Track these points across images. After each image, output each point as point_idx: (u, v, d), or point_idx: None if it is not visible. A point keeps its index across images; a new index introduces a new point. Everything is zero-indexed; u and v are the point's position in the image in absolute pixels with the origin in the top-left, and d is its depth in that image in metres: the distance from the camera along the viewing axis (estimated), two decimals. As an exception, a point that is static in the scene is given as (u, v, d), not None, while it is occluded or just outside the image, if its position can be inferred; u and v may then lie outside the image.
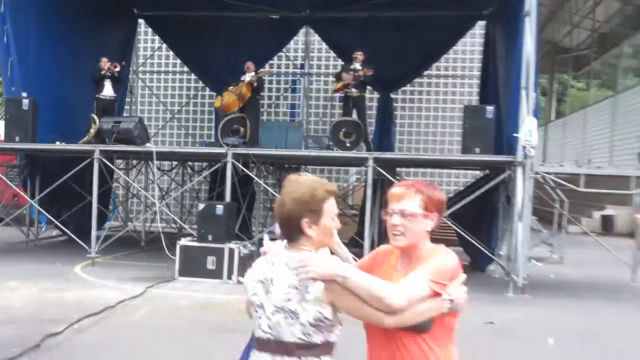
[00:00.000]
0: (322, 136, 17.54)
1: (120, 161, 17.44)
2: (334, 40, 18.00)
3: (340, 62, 16.74)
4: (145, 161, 16.49)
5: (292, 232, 2.82)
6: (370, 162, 12.94)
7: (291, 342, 2.72)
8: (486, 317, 9.55)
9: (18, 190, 15.38)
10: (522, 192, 11.96)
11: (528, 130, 11.83)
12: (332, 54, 18.53)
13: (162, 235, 13.70)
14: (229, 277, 11.90)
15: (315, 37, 19.04)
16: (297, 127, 18.48)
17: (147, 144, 14.65)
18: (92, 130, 14.42)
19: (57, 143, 14.14)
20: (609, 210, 25.41)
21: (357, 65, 14.58)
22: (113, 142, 14.00)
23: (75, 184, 14.48)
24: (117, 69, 15.20)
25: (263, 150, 14.53)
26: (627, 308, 10.86)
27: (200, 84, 19.56)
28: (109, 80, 15.14)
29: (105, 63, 15.00)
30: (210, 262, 11.98)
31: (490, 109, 13.22)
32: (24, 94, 14.14)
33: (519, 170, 11.98)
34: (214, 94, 17.26)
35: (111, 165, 15.07)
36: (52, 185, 14.06)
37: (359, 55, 14.62)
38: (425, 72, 18.42)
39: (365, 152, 13.89)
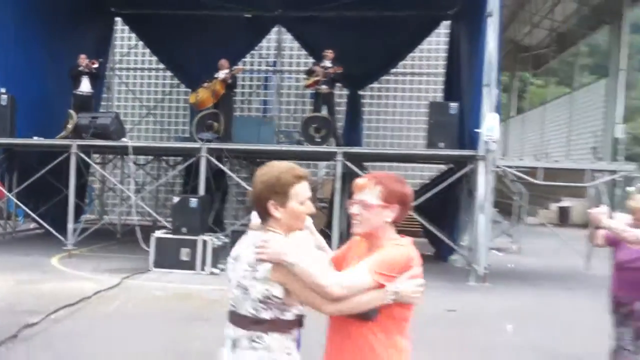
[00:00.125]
0: (293, 131, 17.55)
1: (97, 155, 17.26)
2: (305, 38, 17.99)
3: (311, 60, 16.71)
4: (121, 156, 16.37)
5: (261, 213, 2.88)
6: (340, 157, 12.97)
7: (245, 316, 2.80)
8: (448, 305, 9.64)
9: (-4, 184, 15.16)
10: (484, 185, 12.07)
11: (490, 125, 11.93)
12: (304, 52, 18.50)
13: (137, 227, 13.65)
14: (203, 268, 11.86)
15: (287, 36, 19.01)
16: (269, 123, 18.47)
17: (123, 139, 14.54)
18: (69, 126, 14.26)
19: (35, 138, 13.97)
20: (566, 202, 25.73)
21: (327, 63, 14.57)
22: (90, 137, 13.90)
23: (52, 178, 14.31)
24: (95, 65, 15.02)
25: (236, 145, 14.50)
26: (581, 295, 11.01)
27: (175, 81, 19.44)
28: (86, 76, 14.94)
29: (83, 60, 14.81)
30: (185, 254, 11.93)
31: (454, 105, 13.29)
32: (3, 90, 13.92)
33: (481, 164, 12.08)
34: (189, 90, 17.13)
35: (88, 160, 14.91)
36: (30, 179, 13.89)
37: (329, 54, 14.62)
38: (392, 70, 18.46)
39: (334, 147, 13.91)
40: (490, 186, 12.31)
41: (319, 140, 14.04)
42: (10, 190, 14.56)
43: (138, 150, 15.15)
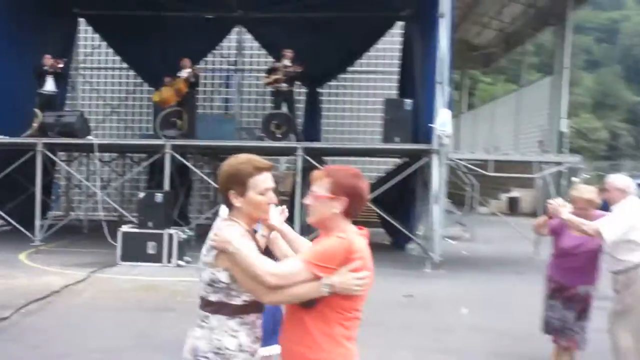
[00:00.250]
0: (254, 128, 17.52)
1: (62, 153, 17.02)
2: (265, 39, 17.94)
3: (271, 59, 16.70)
4: (86, 153, 16.18)
5: (226, 203, 2.98)
6: (300, 152, 13.04)
7: (201, 297, 2.92)
8: (406, 291, 9.77)
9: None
10: (438, 177, 12.24)
11: (443, 121, 12.09)
12: (264, 52, 18.46)
13: (103, 223, 13.51)
14: (169, 261, 11.81)
15: (248, 36, 18.94)
16: (231, 120, 18.42)
17: (89, 137, 14.39)
18: (35, 124, 14.06)
19: (0, 137, 13.73)
20: (515, 193, 26.20)
21: (287, 62, 14.59)
22: (56, 135, 13.72)
23: (18, 175, 14.07)
24: (60, 65, 14.82)
25: (199, 142, 14.45)
26: (530, 279, 11.13)
27: (139, 80, 19.23)
28: (51, 76, 14.72)
29: (48, 60, 14.59)
30: (151, 247, 11.87)
31: (408, 101, 13.42)
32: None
33: (435, 157, 12.25)
34: (152, 89, 16.98)
35: (54, 157, 14.73)
36: (-4, 177, 13.67)
37: (288, 53, 14.63)
38: (349, 68, 18.52)
39: (295, 142, 13.94)
40: (444, 178, 12.48)
41: (280, 136, 14.07)
42: (-24, 189, 14.28)
43: (103, 148, 14.99)
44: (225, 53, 19.80)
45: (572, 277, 5.73)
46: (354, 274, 2.74)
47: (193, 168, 15.28)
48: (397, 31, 17.97)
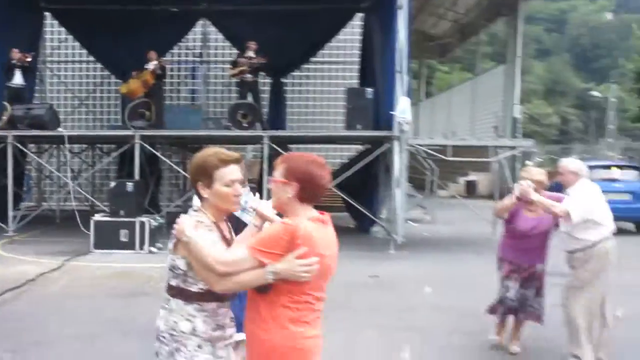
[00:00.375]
0: (220, 118, 17.44)
1: (33, 145, 16.74)
2: (229, 31, 17.80)
3: (235, 51, 16.60)
4: (57, 145, 15.94)
5: (196, 194, 3.01)
6: (266, 140, 13.05)
7: (167, 281, 2.98)
8: (371, 272, 9.88)
9: None
10: (399, 162, 12.35)
11: (402, 108, 12.20)
12: (228, 44, 18.34)
13: (76, 212, 13.38)
14: (142, 248, 11.77)
15: (212, 28, 18.79)
16: (198, 110, 18.29)
17: (59, 129, 14.20)
18: (4, 117, 13.83)
19: (-29, 130, 13.48)
20: (472, 176, 26.51)
21: (251, 54, 14.54)
22: (25, 127, 13.51)
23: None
24: (28, 59, 14.56)
25: (168, 132, 14.36)
26: (489, 258, 11.28)
27: (106, 72, 18.95)
28: (19, 69, 14.46)
29: (16, 54, 14.33)
30: (123, 235, 11.80)
31: (369, 90, 13.50)
32: None
33: (396, 144, 12.36)
34: (119, 81, 16.77)
35: (24, 149, 14.50)
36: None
37: (252, 45, 14.58)
38: (312, 59, 18.51)
39: (260, 131, 13.93)
40: (405, 163, 12.60)
41: (246, 125, 14.03)
42: (-53, 181, 13.98)
43: (74, 139, 14.80)
44: (190, 45, 19.61)
45: (528, 257, 5.88)
46: (299, 260, 2.71)
47: (162, 157, 15.19)
48: (357, 22, 17.99)
